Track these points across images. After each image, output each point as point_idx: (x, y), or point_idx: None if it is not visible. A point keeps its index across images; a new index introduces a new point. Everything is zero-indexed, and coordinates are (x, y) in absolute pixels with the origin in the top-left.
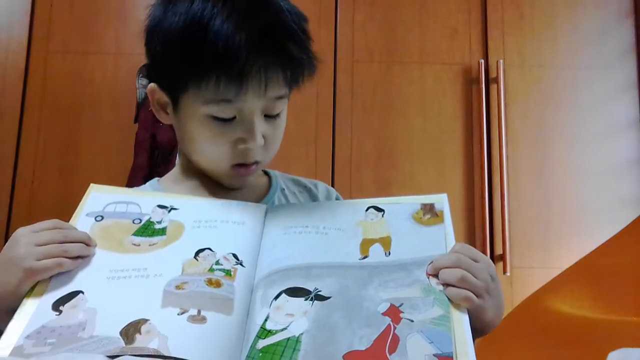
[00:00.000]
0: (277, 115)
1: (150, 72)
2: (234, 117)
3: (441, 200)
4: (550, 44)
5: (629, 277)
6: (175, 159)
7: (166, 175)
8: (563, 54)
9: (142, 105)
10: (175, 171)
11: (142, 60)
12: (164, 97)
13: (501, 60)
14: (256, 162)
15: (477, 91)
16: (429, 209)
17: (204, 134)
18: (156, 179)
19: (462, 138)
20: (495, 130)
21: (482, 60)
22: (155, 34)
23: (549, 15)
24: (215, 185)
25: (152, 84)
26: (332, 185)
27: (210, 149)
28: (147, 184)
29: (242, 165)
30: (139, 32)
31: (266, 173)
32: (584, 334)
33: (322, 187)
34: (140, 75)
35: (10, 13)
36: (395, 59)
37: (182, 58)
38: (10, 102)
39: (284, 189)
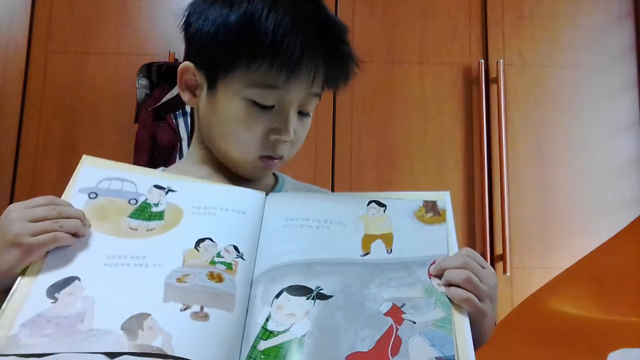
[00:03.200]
0: (307, 114)
1: (187, 51)
2: (272, 106)
3: (443, 198)
4: (550, 44)
5: (629, 277)
6: (175, 159)
7: (173, 165)
8: (563, 54)
9: (142, 105)
10: (184, 162)
11: (142, 60)
12: (197, 78)
13: (501, 60)
14: (281, 157)
15: (477, 91)
16: (431, 206)
17: (239, 117)
18: (161, 169)
19: (462, 138)
20: (495, 130)
21: (482, 60)
22: (201, 16)
23: (549, 15)
24: (227, 176)
25: (186, 62)
26: (332, 185)
27: (242, 134)
28: None
29: (267, 157)
30: (139, 32)
31: (275, 175)
32: (584, 334)
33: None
34: (140, 75)
35: (10, 13)
36: (395, 59)
37: (237, 40)
38: (10, 102)
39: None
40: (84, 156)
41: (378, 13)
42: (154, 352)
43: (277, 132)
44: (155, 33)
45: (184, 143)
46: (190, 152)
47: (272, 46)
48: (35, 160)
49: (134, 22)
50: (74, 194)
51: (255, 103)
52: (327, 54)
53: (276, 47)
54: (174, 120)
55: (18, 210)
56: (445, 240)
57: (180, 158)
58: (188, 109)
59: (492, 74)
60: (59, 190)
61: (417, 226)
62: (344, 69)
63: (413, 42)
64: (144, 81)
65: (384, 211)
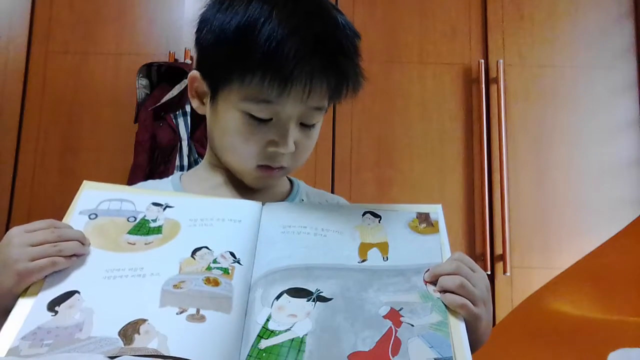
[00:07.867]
0: (313, 125)
1: (197, 60)
2: (270, 119)
3: (436, 211)
4: (550, 44)
5: (629, 277)
6: (175, 159)
7: (190, 171)
8: (563, 54)
9: (142, 105)
10: (201, 167)
11: (142, 60)
12: (204, 87)
13: (501, 60)
14: (281, 167)
15: (477, 91)
16: (424, 218)
17: (237, 129)
18: (179, 174)
19: (462, 138)
20: (495, 130)
21: (482, 60)
22: (207, 25)
23: (549, 15)
24: (239, 184)
25: (195, 71)
26: (332, 185)
27: (240, 145)
28: (169, 178)
29: (266, 167)
30: (139, 32)
31: (291, 182)
32: (584, 334)
33: (343, 204)
34: (140, 75)
35: (10, 13)
36: (395, 59)
37: (232, 52)
38: (10, 102)
39: (302, 200)
40: (84, 182)
41: (378, 13)
42: (150, 354)
43: (275, 144)
44: (155, 33)
45: (184, 143)
46: (206, 156)
47: (263, 60)
48: (35, 160)
49: (134, 22)
50: (75, 217)
51: (252, 116)
52: (323, 66)
53: (267, 61)
54: (173, 120)
55: (19, 235)
56: (439, 249)
57: (180, 158)
58: (188, 108)
59: (492, 74)
60: (58, 191)
61: (411, 236)
62: (345, 82)
63: (413, 42)
64: (144, 81)
65: (379, 221)
